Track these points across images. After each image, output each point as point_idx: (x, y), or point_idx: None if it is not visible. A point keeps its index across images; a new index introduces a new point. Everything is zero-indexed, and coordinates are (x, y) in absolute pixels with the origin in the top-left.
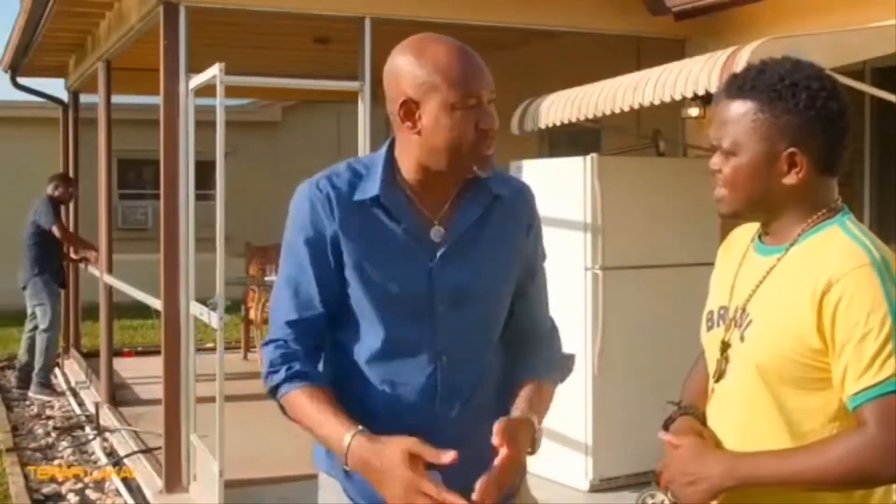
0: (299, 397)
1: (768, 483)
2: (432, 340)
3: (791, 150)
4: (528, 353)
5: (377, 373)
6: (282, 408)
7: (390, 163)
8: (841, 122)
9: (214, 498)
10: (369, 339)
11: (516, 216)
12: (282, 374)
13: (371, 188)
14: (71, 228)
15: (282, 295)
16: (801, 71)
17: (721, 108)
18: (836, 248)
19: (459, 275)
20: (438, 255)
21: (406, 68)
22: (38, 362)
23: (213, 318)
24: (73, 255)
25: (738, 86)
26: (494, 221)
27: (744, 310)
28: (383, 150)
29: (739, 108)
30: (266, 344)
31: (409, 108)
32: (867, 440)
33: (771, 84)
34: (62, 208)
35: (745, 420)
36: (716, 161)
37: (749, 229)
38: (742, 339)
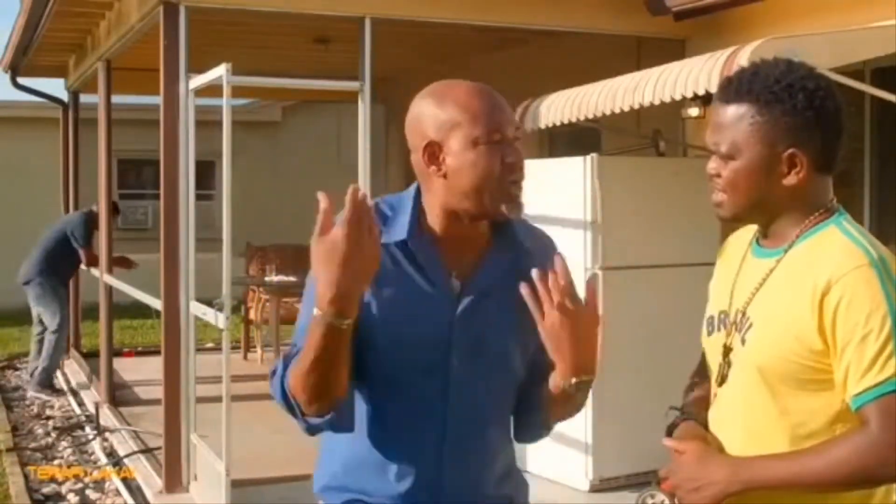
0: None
1: (773, 486)
2: (444, 393)
3: (791, 150)
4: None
5: (386, 424)
6: (293, 407)
7: (418, 208)
8: (837, 121)
9: (216, 498)
10: (381, 388)
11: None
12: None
13: (398, 232)
14: None
15: (298, 340)
16: (796, 72)
17: (717, 112)
18: (834, 248)
19: (478, 328)
20: (461, 306)
21: (427, 112)
22: (42, 362)
23: (219, 319)
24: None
25: (733, 89)
26: (520, 277)
27: (744, 313)
28: (411, 192)
29: (736, 112)
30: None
31: (433, 151)
32: (869, 440)
33: (767, 86)
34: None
35: (748, 423)
36: (713, 165)
37: (745, 233)
38: (743, 342)
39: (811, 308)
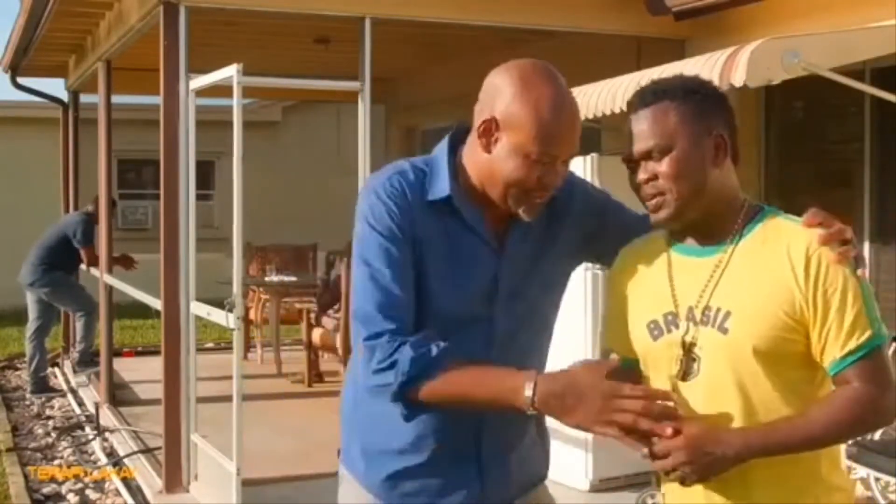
0: (452, 373)
1: (783, 449)
2: (489, 346)
3: (716, 132)
4: None
5: None
6: (409, 400)
7: (454, 164)
8: (732, 111)
9: (219, 497)
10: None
11: (568, 211)
12: (421, 359)
13: (441, 189)
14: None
15: (371, 287)
16: (691, 77)
17: (637, 120)
18: (794, 230)
19: (517, 280)
20: (504, 259)
21: (507, 92)
22: (79, 343)
23: (229, 319)
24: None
25: (649, 94)
26: (547, 223)
27: (707, 306)
28: (443, 150)
29: (658, 110)
30: (373, 338)
31: (490, 128)
32: (856, 394)
33: (679, 84)
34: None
35: (746, 403)
36: (649, 168)
37: (645, 245)
38: (724, 331)
39: (794, 278)
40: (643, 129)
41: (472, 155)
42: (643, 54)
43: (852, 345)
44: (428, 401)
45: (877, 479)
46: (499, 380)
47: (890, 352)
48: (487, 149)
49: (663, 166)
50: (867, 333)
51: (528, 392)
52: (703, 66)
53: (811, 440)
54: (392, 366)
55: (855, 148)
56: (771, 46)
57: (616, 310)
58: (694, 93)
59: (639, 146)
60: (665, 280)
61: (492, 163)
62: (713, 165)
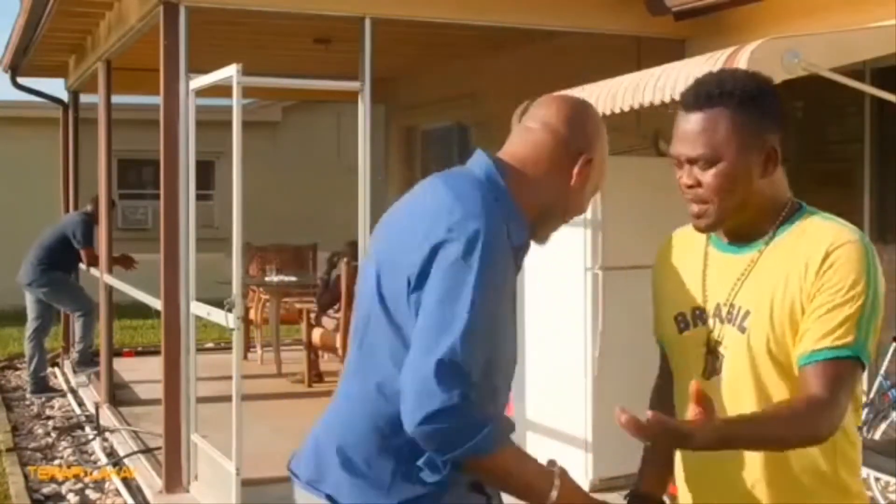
0: (513, 453)
1: (741, 443)
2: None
3: (770, 145)
4: None
5: None
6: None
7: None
8: (787, 114)
9: (219, 497)
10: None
11: None
12: (491, 431)
13: (522, 234)
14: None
15: (488, 337)
16: (751, 75)
17: (686, 121)
18: (824, 229)
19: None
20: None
21: (598, 135)
22: (79, 343)
23: (229, 319)
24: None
25: (703, 96)
26: None
27: (731, 304)
28: (502, 188)
29: (712, 117)
30: (472, 388)
31: (587, 166)
32: (809, 404)
33: (739, 85)
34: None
35: (762, 404)
36: (694, 174)
37: (688, 234)
38: (743, 330)
39: (807, 278)
40: (692, 133)
41: (544, 186)
42: (643, 54)
43: (827, 342)
44: (475, 469)
45: (877, 479)
46: (536, 465)
47: (890, 352)
48: (574, 181)
49: (708, 177)
50: (847, 339)
51: (555, 493)
52: (703, 67)
53: (760, 439)
54: (475, 428)
55: (855, 148)
56: (771, 46)
57: (657, 297)
58: (752, 99)
59: (686, 150)
60: (699, 274)
61: (571, 194)
62: (761, 177)
